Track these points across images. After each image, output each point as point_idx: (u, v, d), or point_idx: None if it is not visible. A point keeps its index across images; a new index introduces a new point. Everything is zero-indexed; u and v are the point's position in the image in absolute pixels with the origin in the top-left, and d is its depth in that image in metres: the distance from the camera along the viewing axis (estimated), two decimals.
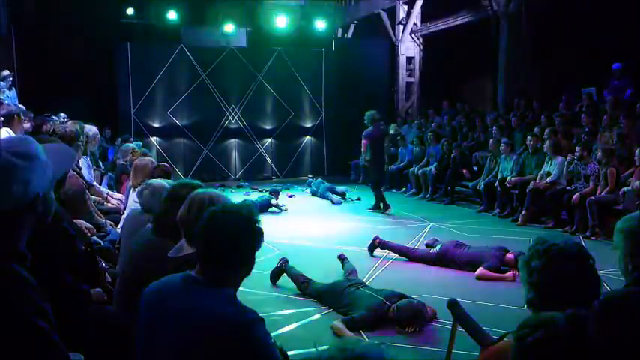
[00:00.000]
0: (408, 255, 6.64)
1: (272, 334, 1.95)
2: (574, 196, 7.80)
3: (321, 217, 9.37)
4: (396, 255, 6.71)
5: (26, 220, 1.47)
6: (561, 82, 11.62)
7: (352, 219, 8.84)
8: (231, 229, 1.89)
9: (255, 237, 1.94)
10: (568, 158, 8.45)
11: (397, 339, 4.27)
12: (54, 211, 1.58)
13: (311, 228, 8.57)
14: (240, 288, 2.01)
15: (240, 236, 1.90)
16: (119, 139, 11.85)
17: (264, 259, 5.99)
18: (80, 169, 5.44)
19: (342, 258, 5.90)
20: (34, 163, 1.45)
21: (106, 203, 5.89)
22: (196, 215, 2.38)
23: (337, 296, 4.88)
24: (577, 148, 8.25)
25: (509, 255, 5.99)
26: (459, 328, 3.14)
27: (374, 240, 6.82)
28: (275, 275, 5.64)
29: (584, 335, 1.28)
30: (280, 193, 10.67)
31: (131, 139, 11.33)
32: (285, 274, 5.62)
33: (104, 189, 6.51)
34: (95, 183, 6.35)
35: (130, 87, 13.44)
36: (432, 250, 6.52)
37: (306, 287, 5.28)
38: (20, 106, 6.71)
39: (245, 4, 14.13)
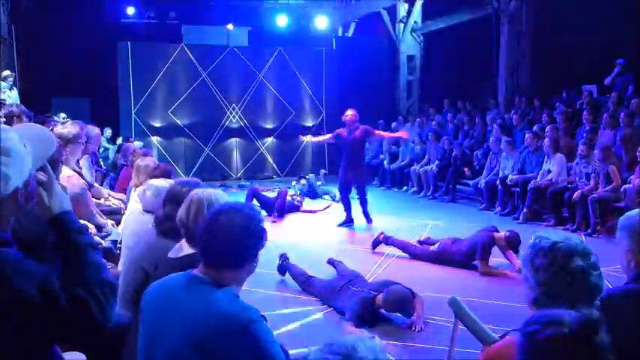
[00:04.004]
0: (409, 252, 6.65)
1: (274, 333, 1.95)
2: (575, 194, 7.80)
3: (323, 215, 9.37)
4: (399, 252, 6.72)
5: (7, 210, 1.48)
6: (562, 79, 11.62)
7: (354, 217, 8.81)
8: (233, 229, 1.88)
9: (258, 236, 1.94)
10: (577, 159, 8.40)
11: (399, 338, 4.27)
12: (35, 198, 1.58)
13: (313, 227, 8.57)
14: (242, 287, 2.01)
15: (243, 235, 1.89)
16: (120, 139, 11.86)
17: (267, 259, 5.98)
18: (81, 169, 5.43)
19: (331, 263, 5.75)
20: (14, 159, 1.45)
21: (107, 203, 5.88)
22: (195, 215, 2.38)
23: (335, 295, 4.89)
24: (580, 147, 8.25)
25: (499, 234, 6.03)
26: (461, 326, 3.13)
27: (379, 235, 6.84)
28: (281, 271, 5.69)
29: (596, 336, 1.28)
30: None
31: (131, 139, 11.35)
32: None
33: (105, 189, 6.51)
34: (96, 183, 6.34)
35: (131, 87, 13.43)
36: (431, 248, 6.53)
37: (307, 286, 5.29)
38: (21, 106, 6.70)
39: (245, 3, 14.12)
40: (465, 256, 6.11)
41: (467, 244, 6.17)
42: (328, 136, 9.03)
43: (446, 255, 6.27)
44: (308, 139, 10.48)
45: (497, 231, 6.15)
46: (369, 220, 8.48)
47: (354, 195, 8.59)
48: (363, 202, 8.46)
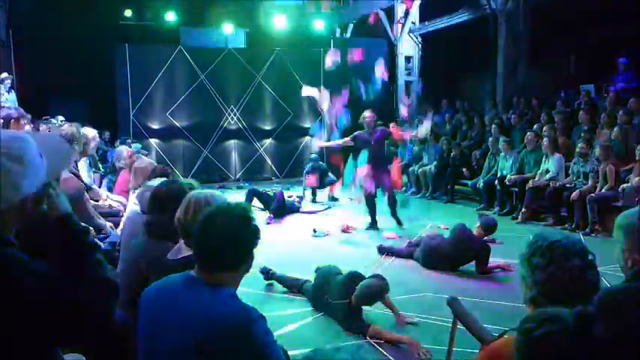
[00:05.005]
0: (406, 255, 6.66)
1: (273, 333, 1.95)
2: (573, 193, 7.81)
3: (322, 215, 9.36)
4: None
5: (14, 217, 1.49)
6: (559, 79, 11.64)
7: (353, 218, 8.82)
8: (228, 229, 1.89)
9: (253, 235, 1.94)
10: (575, 159, 8.42)
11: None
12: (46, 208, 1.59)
13: (312, 226, 8.56)
14: (240, 288, 2.01)
15: (237, 235, 1.90)
16: (118, 141, 11.86)
17: (265, 259, 5.99)
18: (79, 170, 5.43)
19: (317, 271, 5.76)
20: (28, 168, 1.46)
21: (106, 203, 5.88)
22: (194, 216, 2.38)
23: (319, 305, 4.88)
24: (579, 145, 8.26)
25: (478, 231, 6.06)
26: (459, 326, 3.13)
27: (379, 253, 6.83)
28: (267, 279, 5.64)
29: (592, 333, 1.28)
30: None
31: (128, 141, 11.34)
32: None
33: (104, 191, 6.50)
34: (95, 185, 6.33)
35: (129, 89, 13.43)
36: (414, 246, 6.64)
37: (302, 290, 5.27)
38: (19, 109, 6.69)
39: (243, 4, 14.12)
40: (451, 263, 6.10)
41: (451, 250, 6.09)
42: (345, 139, 8.39)
43: (431, 257, 6.23)
44: (319, 144, 9.57)
45: (470, 229, 6.15)
46: (399, 222, 8.31)
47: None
48: (393, 204, 8.29)
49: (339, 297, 4.54)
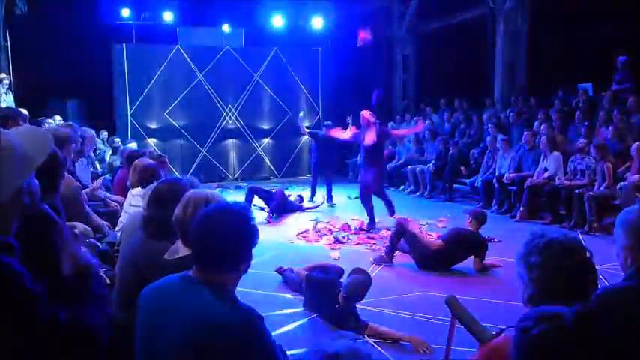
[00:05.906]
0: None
1: (272, 333, 1.94)
2: (563, 184, 7.90)
3: (322, 215, 9.36)
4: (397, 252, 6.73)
5: (12, 211, 1.50)
6: (557, 78, 11.65)
7: (352, 217, 8.82)
8: (226, 228, 1.88)
9: (251, 235, 1.93)
10: (572, 157, 8.44)
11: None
12: (39, 198, 1.60)
13: (310, 226, 8.55)
14: (240, 288, 2.00)
15: (235, 235, 1.89)
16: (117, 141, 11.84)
17: (264, 259, 5.99)
18: (75, 169, 5.42)
19: None
20: (17, 159, 1.47)
21: (103, 205, 5.87)
22: (192, 216, 2.37)
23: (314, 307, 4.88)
24: (577, 144, 8.27)
25: (472, 224, 6.16)
26: (458, 325, 3.13)
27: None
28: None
29: (590, 331, 1.28)
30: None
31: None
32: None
33: (101, 191, 6.48)
34: (92, 185, 6.32)
35: (127, 88, 13.40)
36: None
37: (300, 291, 5.27)
38: (17, 109, 6.68)
39: (241, 3, 14.09)
40: (449, 261, 6.10)
41: (450, 248, 6.08)
42: (349, 134, 8.70)
43: (427, 257, 6.18)
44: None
45: (466, 230, 6.19)
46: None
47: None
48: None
49: (326, 305, 4.59)
